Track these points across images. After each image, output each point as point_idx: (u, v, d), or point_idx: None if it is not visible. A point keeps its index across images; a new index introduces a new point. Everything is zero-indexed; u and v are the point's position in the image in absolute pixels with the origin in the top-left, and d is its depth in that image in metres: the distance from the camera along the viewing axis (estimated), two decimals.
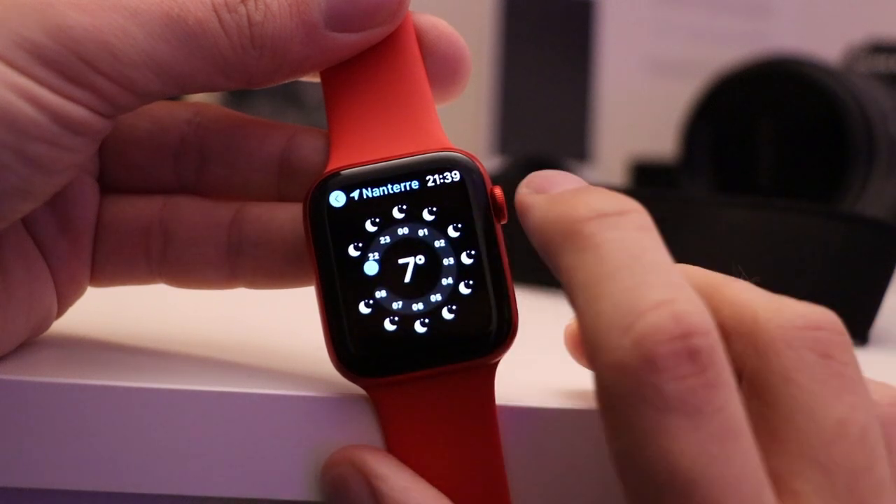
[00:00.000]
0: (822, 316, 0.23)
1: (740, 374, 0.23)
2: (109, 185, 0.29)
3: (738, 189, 0.63)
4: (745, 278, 0.25)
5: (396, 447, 0.25)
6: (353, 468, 0.25)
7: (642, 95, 0.90)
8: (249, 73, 0.25)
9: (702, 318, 0.21)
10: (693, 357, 0.20)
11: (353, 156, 0.26)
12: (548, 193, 0.24)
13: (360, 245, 0.25)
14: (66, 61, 0.23)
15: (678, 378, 0.20)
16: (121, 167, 0.29)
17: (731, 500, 0.20)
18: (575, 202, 0.23)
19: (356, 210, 0.25)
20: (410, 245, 0.25)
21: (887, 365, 0.36)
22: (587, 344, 0.22)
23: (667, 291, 0.21)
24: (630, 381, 0.20)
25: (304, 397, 0.26)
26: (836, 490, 0.21)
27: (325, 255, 0.25)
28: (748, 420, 0.22)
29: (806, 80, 0.60)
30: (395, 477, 0.25)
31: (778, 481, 0.22)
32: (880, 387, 0.24)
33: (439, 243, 0.25)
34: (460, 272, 0.25)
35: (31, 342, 0.28)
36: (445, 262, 0.25)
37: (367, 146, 0.26)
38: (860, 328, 0.39)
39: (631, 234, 0.22)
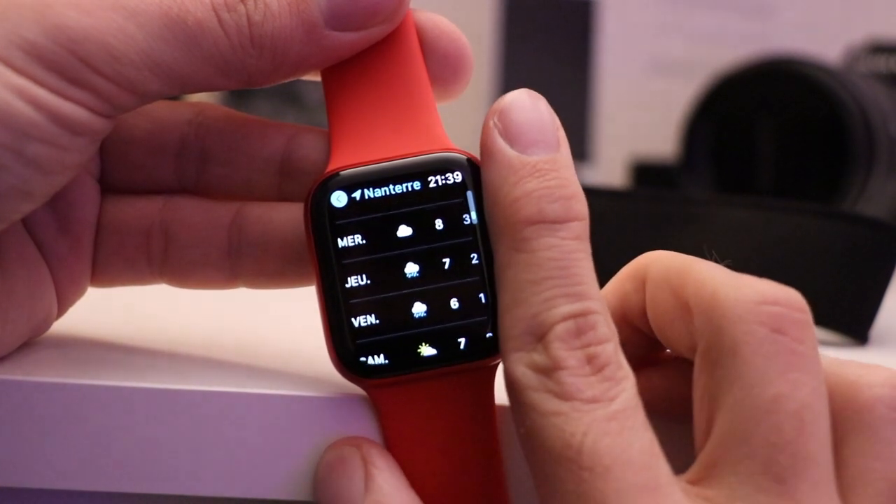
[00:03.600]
0: (783, 293, 0.23)
1: (695, 350, 0.24)
2: (110, 185, 0.29)
3: (738, 189, 0.63)
4: (717, 262, 0.25)
5: (396, 447, 0.25)
6: (356, 452, 0.25)
7: (642, 95, 0.90)
8: (249, 73, 0.25)
9: (605, 331, 0.23)
10: (592, 360, 0.23)
11: (354, 155, 0.26)
12: (514, 153, 0.25)
13: (362, 246, 0.25)
14: (64, 61, 0.23)
15: (579, 374, 0.23)
16: (121, 167, 0.29)
17: (618, 468, 0.21)
18: (525, 199, 0.24)
19: (357, 210, 0.25)
20: (411, 245, 0.25)
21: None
22: (502, 336, 0.24)
23: (579, 304, 0.23)
24: (536, 377, 0.23)
25: (304, 397, 0.26)
26: (753, 463, 0.22)
27: (325, 255, 0.25)
28: (695, 397, 0.23)
29: (806, 80, 0.60)
30: (392, 474, 0.25)
31: (707, 454, 0.22)
32: (866, 368, 0.24)
33: (440, 244, 0.25)
34: (461, 272, 0.25)
35: (31, 342, 0.28)
36: (446, 263, 0.25)
37: (369, 146, 0.26)
38: (860, 328, 0.39)
39: (565, 244, 0.24)
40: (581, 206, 0.24)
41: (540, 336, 0.23)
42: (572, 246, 0.24)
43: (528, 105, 0.25)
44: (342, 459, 0.25)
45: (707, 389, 0.23)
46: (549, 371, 0.23)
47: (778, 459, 0.22)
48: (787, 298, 0.23)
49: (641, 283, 0.26)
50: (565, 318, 0.23)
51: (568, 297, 0.23)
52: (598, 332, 0.23)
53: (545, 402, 0.23)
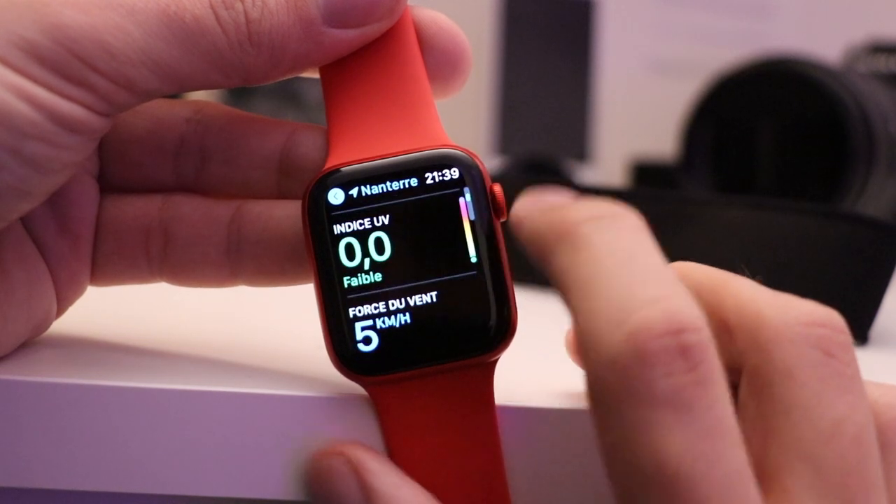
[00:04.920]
0: (826, 314, 0.23)
1: (740, 371, 0.23)
2: (109, 184, 0.29)
3: (738, 189, 0.63)
4: (748, 277, 0.25)
5: (396, 445, 0.25)
6: (343, 460, 0.24)
7: (642, 95, 0.90)
8: (247, 71, 0.25)
9: (694, 315, 0.21)
10: (684, 353, 0.20)
11: (352, 153, 0.26)
12: (542, 205, 0.24)
13: (359, 243, 0.25)
14: (62, 60, 0.23)
15: (669, 374, 0.20)
16: (120, 166, 0.29)
17: (716, 498, 0.20)
18: (569, 207, 0.23)
19: (355, 207, 0.25)
20: (409, 242, 0.25)
21: (887, 365, 0.36)
22: (580, 340, 0.22)
23: (660, 289, 0.21)
24: (621, 376, 0.20)
25: (303, 397, 0.26)
26: (827, 489, 0.21)
27: (324, 253, 0.25)
28: (744, 418, 0.22)
29: (806, 80, 0.60)
30: (386, 473, 0.24)
31: (769, 477, 0.22)
32: (883, 388, 0.24)
33: (438, 241, 0.25)
34: (460, 269, 0.25)
35: (30, 342, 0.28)
36: (445, 259, 0.25)
37: (367, 143, 0.26)
38: (860, 328, 0.39)
39: (625, 236, 0.22)
40: (627, 208, 0.23)
41: (620, 324, 0.21)
42: (632, 236, 0.22)
43: (540, 191, 0.25)
44: (331, 471, 0.24)
45: (759, 411, 0.22)
46: (636, 368, 0.20)
47: (848, 484, 0.21)
48: (833, 321, 0.23)
49: None
50: (648, 303, 0.21)
51: (645, 284, 0.21)
52: (687, 316, 0.21)
53: (635, 410, 0.20)
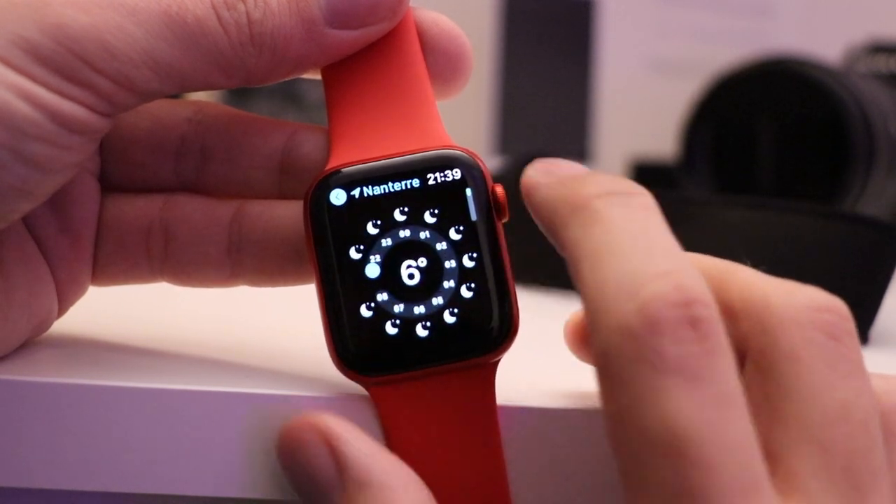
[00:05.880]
0: (831, 301, 0.23)
1: (745, 355, 0.23)
2: (110, 184, 0.29)
3: (738, 189, 0.63)
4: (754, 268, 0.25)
5: (397, 446, 0.25)
6: (314, 431, 0.24)
7: (642, 95, 0.90)
8: (249, 71, 0.25)
9: (703, 291, 0.21)
10: (694, 324, 0.21)
11: (353, 153, 0.26)
12: (556, 175, 0.25)
13: (362, 247, 0.25)
14: (63, 60, 0.23)
15: (679, 341, 0.20)
16: (121, 166, 0.29)
17: (724, 464, 0.20)
18: (584, 181, 0.24)
19: (357, 208, 0.25)
20: (412, 246, 0.25)
21: (887, 365, 0.36)
22: (589, 310, 0.22)
23: (671, 264, 0.21)
24: (632, 343, 0.21)
25: (304, 397, 0.26)
26: (834, 471, 0.21)
27: (325, 253, 0.25)
28: (749, 401, 0.22)
29: (806, 80, 0.60)
30: (359, 442, 0.24)
31: (776, 459, 0.22)
32: (880, 378, 0.24)
33: (440, 242, 0.25)
34: (462, 272, 0.25)
35: (31, 342, 0.28)
36: (447, 262, 0.25)
37: (368, 143, 0.26)
38: (860, 328, 0.38)
39: (638, 213, 0.23)
40: (642, 188, 0.24)
41: (633, 294, 0.21)
42: (645, 214, 0.23)
43: (553, 159, 0.25)
44: (301, 443, 0.24)
45: (764, 394, 0.22)
46: (646, 336, 0.20)
47: (855, 468, 0.21)
48: (838, 307, 0.23)
49: None
50: (659, 276, 0.21)
51: (655, 258, 0.21)
52: (698, 291, 0.21)
53: (644, 376, 0.20)
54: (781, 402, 0.22)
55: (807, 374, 0.22)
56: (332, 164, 0.26)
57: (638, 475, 0.21)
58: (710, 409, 0.20)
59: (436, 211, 0.25)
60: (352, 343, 0.25)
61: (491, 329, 0.25)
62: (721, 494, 0.20)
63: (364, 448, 0.24)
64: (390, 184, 0.25)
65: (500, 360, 0.25)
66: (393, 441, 0.25)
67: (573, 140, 0.83)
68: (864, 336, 0.39)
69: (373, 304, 0.25)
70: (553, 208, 0.24)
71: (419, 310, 0.25)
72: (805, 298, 0.23)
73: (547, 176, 0.25)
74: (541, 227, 0.25)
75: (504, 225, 0.26)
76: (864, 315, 0.39)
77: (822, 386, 0.22)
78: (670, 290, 0.21)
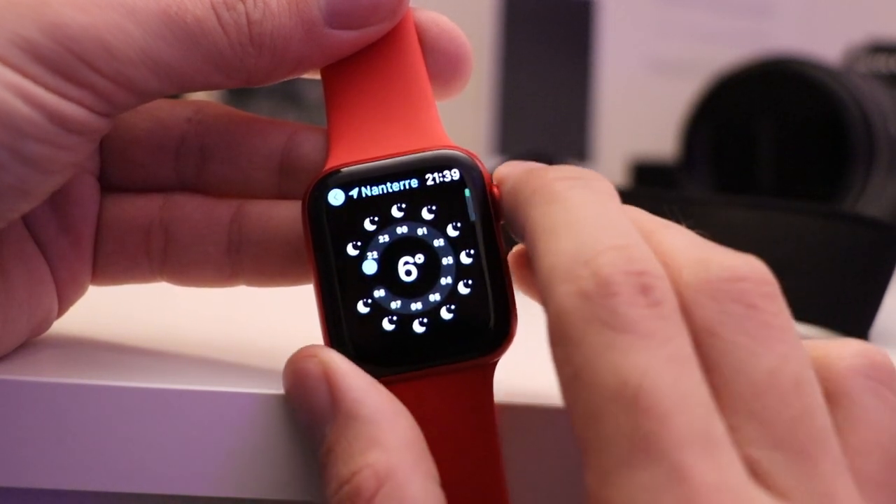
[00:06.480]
0: (746, 266, 0.22)
1: None
2: (110, 183, 0.29)
3: (738, 189, 0.63)
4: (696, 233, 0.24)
5: None
6: (316, 361, 0.24)
7: (642, 95, 0.90)
8: (248, 72, 0.25)
9: (656, 265, 0.22)
10: (646, 291, 0.21)
11: (352, 153, 0.26)
12: (523, 166, 0.25)
13: (359, 244, 0.25)
14: (62, 59, 0.23)
15: (632, 304, 0.21)
16: (121, 166, 0.29)
17: (680, 414, 0.20)
18: (548, 168, 0.24)
19: (355, 208, 0.25)
20: (409, 244, 0.25)
21: None
22: (544, 279, 0.22)
23: (626, 239, 0.22)
24: (585, 303, 0.21)
25: None
26: (776, 440, 0.21)
27: (323, 253, 0.25)
28: None
29: (806, 80, 0.60)
30: (355, 377, 0.24)
31: None
32: (837, 342, 0.24)
33: (438, 242, 0.25)
34: (459, 271, 0.25)
35: (31, 342, 0.28)
36: (444, 261, 0.25)
37: (367, 144, 0.26)
38: (860, 328, 0.39)
39: (597, 195, 0.23)
40: (602, 177, 0.24)
41: (587, 261, 0.21)
42: (603, 196, 0.23)
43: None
44: (303, 372, 0.24)
45: None
46: (600, 297, 0.21)
47: (796, 433, 0.21)
48: (754, 272, 0.22)
49: None
50: (614, 248, 0.21)
51: (610, 232, 0.22)
52: (650, 265, 0.21)
53: (598, 334, 0.21)
54: (711, 379, 0.21)
55: (725, 347, 0.22)
56: (331, 164, 0.26)
57: (594, 432, 0.21)
58: (664, 363, 0.20)
59: (434, 212, 0.25)
60: (350, 342, 0.25)
61: (489, 329, 0.25)
62: (678, 445, 0.20)
63: (358, 383, 0.24)
64: (389, 184, 0.25)
65: (498, 360, 0.25)
66: None
67: (573, 140, 0.83)
68: (864, 336, 0.39)
69: (370, 301, 0.25)
70: (518, 192, 0.24)
71: (416, 306, 0.25)
72: (719, 269, 0.22)
73: (515, 167, 0.25)
74: (506, 219, 0.25)
75: (503, 225, 0.26)
76: (864, 315, 0.39)
77: (744, 357, 0.21)
78: (623, 259, 0.21)
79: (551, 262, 0.22)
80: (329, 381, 0.24)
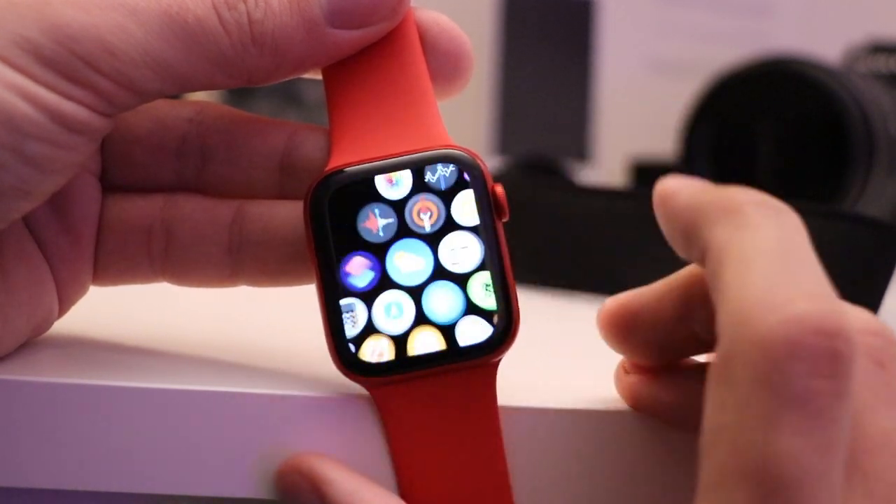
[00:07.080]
0: (878, 324, 0.22)
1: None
2: (111, 183, 0.29)
3: None
4: None
5: (399, 446, 0.25)
6: (301, 475, 0.25)
7: (642, 95, 0.90)
8: (250, 71, 0.25)
9: (848, 325, 0.20)
10: (832, 359, 0.19)
11: (354, 153, 0.26)
12: (696, 184, 0.24)
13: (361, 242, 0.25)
14: (64, 60, 0.23)
15: (811, 374, 0.19)
16: (122, 166, 0.29)
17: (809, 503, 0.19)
18: (734, 189, 0.23)
19: (357, 208, 0.25)
20: (411, 243, 0.25)
21: None
22: (725, 313, 0.21)
23: (820, 287, 0.20)
24: (763, 359, 0.19)
25: (305, 397, 0.26)
26: (875, 499, 0.21)
27: (325, 253, 0.25)
28: None
29: (806, 80, 0.60)
30: (342, 481, 0.25)
31: None
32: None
33: (440, 242, 0.25)
34: (462, 270, 0.25)
35: (31, 342, 0.28)
36: (447, 260, 0.25)
37: (369, 143, 0.26)
38: None
39: (789, 229, 0.22)
40: (791, 209, 0.23)
41: (778, 307, 0.20)
42: (795, 232, 0.22)
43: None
44: (294, 488, 0.25)
45: None
46: (781, 356, 0.19)
47: (893, 497, 0.21)
48: (884, 330, 0.22)
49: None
50: (810, 297, 0.20)
51: (805, 278, 0.20)
52: (845, 325, 0.20)
53: (762, 399, 0.19)
54: None
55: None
56: (333, 163, 0.26)
57: (716, 497, 0.20)
58: (816, 454, 0.19)
59: (436, 210, 0.25)
60: (353, 344, 0.25)
61: (491, 328, 0.25)
62: None
63: (347, 487, 0.25)
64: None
65: (500, 360, 0.25)
66: (394, 441, 0.25)
67: (573, 140, 0.83)
68: None
69: (371, 300, 0.25)
70: (698, 209, 0.23)
71: (420, 308, 0.25)
72: (856, 321, 0.22)
73: (687, 182, 0.24)
74: (670, 232, 0.24)
75: (504, 225, 0.26)
76: None
77: (865, 412, 0.21)
78: (817, 316, 0.20)
79: (736, 298, 0.20)
80: (318, 493, 0.25)
